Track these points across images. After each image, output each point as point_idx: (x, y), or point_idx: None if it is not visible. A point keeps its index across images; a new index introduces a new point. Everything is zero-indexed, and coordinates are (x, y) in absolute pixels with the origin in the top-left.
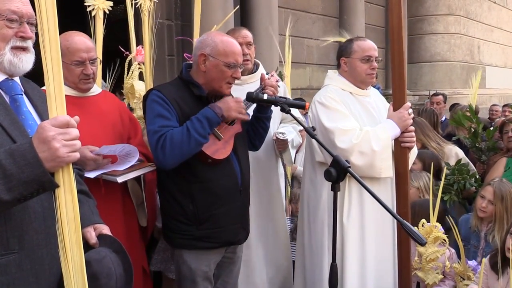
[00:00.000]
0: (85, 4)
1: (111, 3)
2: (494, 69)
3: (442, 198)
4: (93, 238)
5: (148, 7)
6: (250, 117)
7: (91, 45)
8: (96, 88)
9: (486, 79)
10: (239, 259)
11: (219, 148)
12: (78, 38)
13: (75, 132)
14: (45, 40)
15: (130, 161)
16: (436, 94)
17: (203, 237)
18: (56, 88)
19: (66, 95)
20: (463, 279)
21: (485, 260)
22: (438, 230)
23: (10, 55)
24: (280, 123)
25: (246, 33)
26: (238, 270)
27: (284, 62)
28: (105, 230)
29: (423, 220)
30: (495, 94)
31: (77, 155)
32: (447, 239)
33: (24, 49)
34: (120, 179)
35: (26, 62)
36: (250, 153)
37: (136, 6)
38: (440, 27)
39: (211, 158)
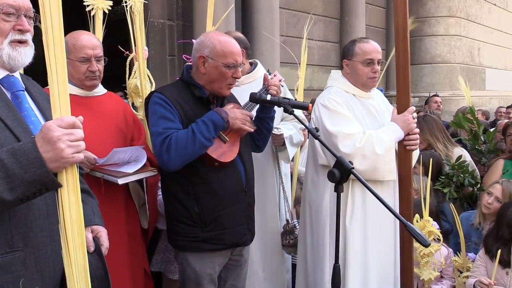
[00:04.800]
0: (83, 3)
1: (110, 3)
2: (494, 71)
3: (440, 193)
4: (90, 242)
5: (138, 8)
6: (253, 118)
7: (97, 43)
8: (101, 89)
9: (486, 81)
10: (245, 262)
11: (225, 151)
12: (84, 36)
13: (80, 133)
14: (49, 38)
15: (136, 165)
16: (435, 95)
17: (208, 239)
18: (61, 88)
19: (70, 95)
20: (461, 273)
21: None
22: (431, 225)
23: (9, 49)
24: (281, 121)
25: None
26: (246, 273)
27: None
28: (102, 232)
29: (417, 216)
30: (495, 96)
31: (81, 155)
32: (441, 235)
33: (22, 42)
34: (121, 181)
35: (25, 55)
36: None
37: (128, 7)
38: (441, 29)
39: (218, 162)
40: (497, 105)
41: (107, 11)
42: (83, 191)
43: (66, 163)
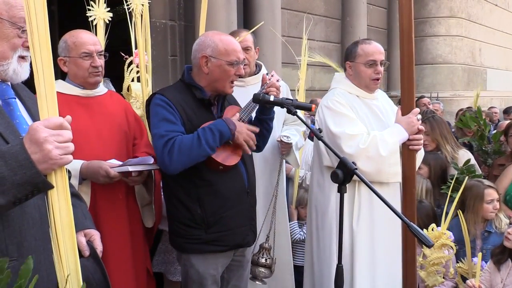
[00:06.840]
0: (87, 14)
1: (111, 14)
2: (495, 72)
3: (449, 196)
4: (84, 246)
5: (140, 10)
6: (253, 119)
7: (96, 39)
8: (102, 88)
9: (487, 82)
10: (248, 263)
11: (229, 154)
12: (83, 34)
13: (68, 134)
14: (35, 39)
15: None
16: (422, 97)
17: (212, 240)
18: (48, 89)
19: (72, 95)
20: (465, 280)
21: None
22: (447, 238)
23: (16, 63)
24: (283, 124)
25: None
26: (248, 274)
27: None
28: (95, 236)
29: (433, 225)
30: (496, 96)
31: (70, 157)
32: (454, 248)
33: (24, 57)
34: (117, 169)
35: (26, 71)
36: (258, 154)
37: (129, 10)
38: (442, 30)
39: (223, 165)
40: (499, 106)
41: (108, 22)
42: (72, 194)
43: (54, 165)
